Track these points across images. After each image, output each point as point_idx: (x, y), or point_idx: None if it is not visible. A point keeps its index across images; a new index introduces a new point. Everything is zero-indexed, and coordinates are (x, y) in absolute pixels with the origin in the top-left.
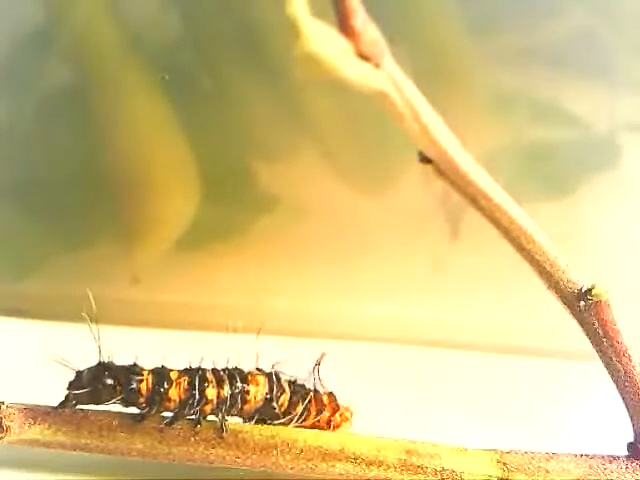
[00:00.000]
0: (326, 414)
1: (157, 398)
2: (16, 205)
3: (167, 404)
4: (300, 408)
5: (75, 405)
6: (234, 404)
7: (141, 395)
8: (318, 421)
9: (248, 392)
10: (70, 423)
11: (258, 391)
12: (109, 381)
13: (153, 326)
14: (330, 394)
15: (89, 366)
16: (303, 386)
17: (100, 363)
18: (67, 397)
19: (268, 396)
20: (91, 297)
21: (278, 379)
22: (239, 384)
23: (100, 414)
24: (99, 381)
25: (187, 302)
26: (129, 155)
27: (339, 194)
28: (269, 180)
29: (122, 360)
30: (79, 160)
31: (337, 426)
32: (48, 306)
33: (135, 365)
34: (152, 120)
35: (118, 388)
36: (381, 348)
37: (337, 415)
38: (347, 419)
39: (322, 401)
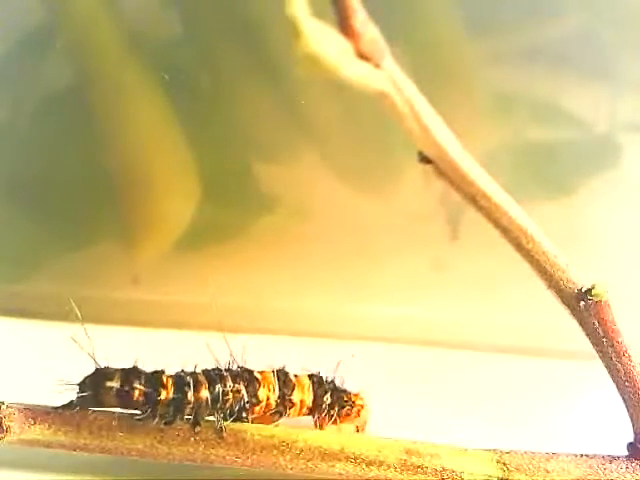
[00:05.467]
0: (348, 407)
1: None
2: (16, 205)
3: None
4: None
5: (79, 409)
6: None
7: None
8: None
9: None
10: (70, 423)
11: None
12: (110, 384)
13: (153, 326)
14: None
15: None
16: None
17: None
18: (70, 401)
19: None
20: (73, 303)
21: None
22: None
23: (100, 414)
24: (100, 385)
25: (187, 302)
26: (129, 155)
27: (339, 195)
28: (269, 180)
29: (122, 360)
30: (79, 160)
31: (359, 412)
32: (48, 306)
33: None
34: (152, 120)
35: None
36: (381, 348)
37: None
38: (362, 405)
39: (342, 393)
